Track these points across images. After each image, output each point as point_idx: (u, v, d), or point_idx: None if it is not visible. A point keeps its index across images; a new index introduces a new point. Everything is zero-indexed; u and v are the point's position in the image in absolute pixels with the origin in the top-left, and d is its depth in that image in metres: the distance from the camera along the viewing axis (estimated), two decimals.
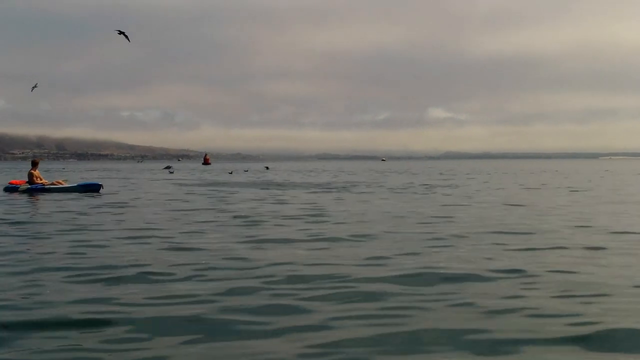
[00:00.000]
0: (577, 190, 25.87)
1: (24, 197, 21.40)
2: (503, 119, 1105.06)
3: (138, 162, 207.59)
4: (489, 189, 27.06)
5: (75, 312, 5.64)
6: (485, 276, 7.22)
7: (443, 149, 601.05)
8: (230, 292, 6.45)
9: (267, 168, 70.24)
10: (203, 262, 8.16)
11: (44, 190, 23.34)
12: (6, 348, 4.74)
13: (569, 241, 10.12)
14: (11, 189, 23.92)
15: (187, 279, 7.15)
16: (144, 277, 7.17)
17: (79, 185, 24.41)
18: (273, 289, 6.60)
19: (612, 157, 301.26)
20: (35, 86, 36.56)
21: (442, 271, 7.50)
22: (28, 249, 9.49)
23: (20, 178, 29.20)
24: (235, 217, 14.20)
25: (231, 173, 52.13)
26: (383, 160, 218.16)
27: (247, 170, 61.71)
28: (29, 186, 23.47)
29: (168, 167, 78.17)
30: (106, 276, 7.23)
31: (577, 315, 5.61)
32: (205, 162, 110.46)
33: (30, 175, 23.88)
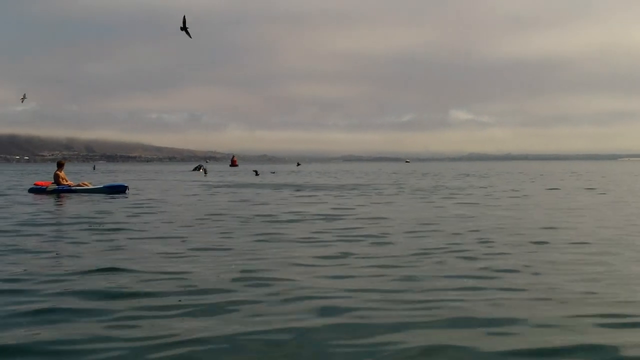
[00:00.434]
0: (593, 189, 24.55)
1: (52, 199, 21.04)
2: (524, 121, 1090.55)
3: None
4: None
5: None
6: None
7: (466, 150, 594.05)
8: None
9: (299, 164, 67.61)
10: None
11: (70, 191, 23.15)
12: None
13: None
14: (36, 190, 23.77)
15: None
16: None
17: (105, 187, 24.19)
18: None
19: (630, 159, 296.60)
20: (24, 97, 36.47)
21: None
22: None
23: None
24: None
25: (274, 173, 50.55)
26: (407, 161, 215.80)
27: (274, 172, 60.87)
28: (57, 187, 23.28)
29: (198, 168, 76.23)
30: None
31: None
32: (233, 163, 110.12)
33: (56, 177, 23.70)
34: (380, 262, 8.15)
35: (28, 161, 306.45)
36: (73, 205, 17.95)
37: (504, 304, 5.92)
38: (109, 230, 11.72)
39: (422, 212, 15.56)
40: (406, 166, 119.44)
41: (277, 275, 7.22)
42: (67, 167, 24.51)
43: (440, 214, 14.92)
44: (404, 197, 22.08)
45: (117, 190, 23.86)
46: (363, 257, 8.50)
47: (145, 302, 5.99)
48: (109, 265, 7.82)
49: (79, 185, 23.87)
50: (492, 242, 9.96)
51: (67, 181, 23.92)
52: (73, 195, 22.40)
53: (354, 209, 16.67)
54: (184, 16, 21.94)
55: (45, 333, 5.03)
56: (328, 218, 13.99)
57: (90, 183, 25.04)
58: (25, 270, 7.59)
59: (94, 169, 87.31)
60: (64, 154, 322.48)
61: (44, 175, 48.13)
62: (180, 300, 6.02)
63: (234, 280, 6.97)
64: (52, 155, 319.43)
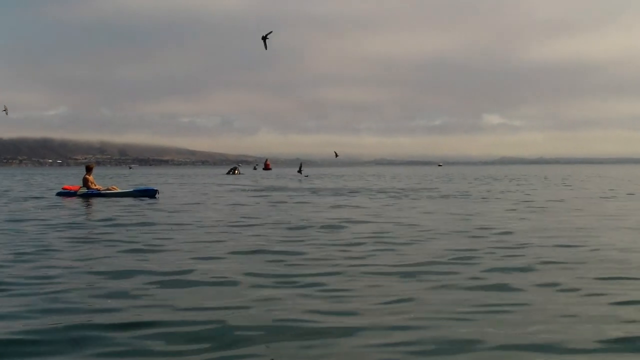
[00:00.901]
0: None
1: (81, 202, 20.49)
2: (556, 125, 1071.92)
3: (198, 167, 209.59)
4: None
5: None
6: None
7: (498, 154, 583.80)
8: None
9: (301, 171, 63.60)
10: None
11: (100, 195, 22.47)
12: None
13: None
14: (65, 194, 23.31)
15: None
16: None
17: (135, 191, 23.73)
18: None
19: None
20: (5, 110, 38.36)
21: None
22: None
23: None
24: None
25: (307, 176, 48.92)
26: (440, 165, 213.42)
27: (307, 176, 58.68)
28: (87, 190, 22.64)
29: (232, 171, 74.12)
30: None
31: None
32: (266, 167, 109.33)
33: (85, 181, 23.01)
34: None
35: (61, 164, 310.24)
36: (104, 209, 15.90)
37: None
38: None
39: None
40: (443, 169, 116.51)
41: None
42: (102, 170, 23.52)
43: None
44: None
45: (147, 194, 23.20)
46: None
47: None
48: None
49: (108, 189, 23.21)
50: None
51: (95, 185, 23.26)
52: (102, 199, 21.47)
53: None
54: (271, 31, 22.61)
55: None
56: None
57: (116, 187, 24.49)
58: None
59: (130, 168, 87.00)
60: (97, 157, 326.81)
61: (74, 180, 46.65)
62: None
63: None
64: (85, 158, 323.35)
